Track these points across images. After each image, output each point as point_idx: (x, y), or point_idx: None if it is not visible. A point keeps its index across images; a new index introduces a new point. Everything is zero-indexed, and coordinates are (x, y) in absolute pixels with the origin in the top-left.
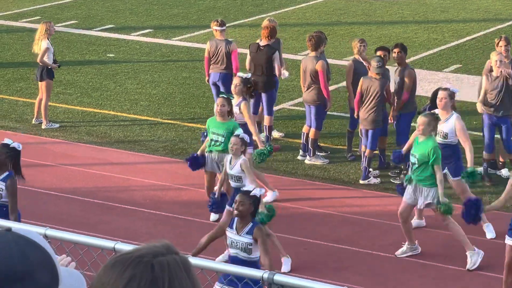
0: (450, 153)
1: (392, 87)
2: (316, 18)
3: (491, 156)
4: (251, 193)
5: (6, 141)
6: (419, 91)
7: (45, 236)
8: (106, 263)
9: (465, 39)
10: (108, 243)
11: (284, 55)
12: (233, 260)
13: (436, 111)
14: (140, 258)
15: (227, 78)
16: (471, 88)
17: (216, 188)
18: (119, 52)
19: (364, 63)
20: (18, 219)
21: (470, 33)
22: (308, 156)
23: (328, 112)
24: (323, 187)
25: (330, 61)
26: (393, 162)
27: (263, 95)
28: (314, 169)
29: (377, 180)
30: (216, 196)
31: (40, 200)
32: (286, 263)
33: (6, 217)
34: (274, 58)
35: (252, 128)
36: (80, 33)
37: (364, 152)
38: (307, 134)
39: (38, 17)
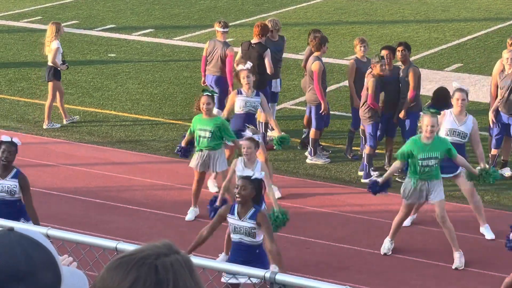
0: (463, 154)
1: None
2: (317, 18)
3: (496, 152)
4: (253, 177)
5: (5, 138)
6: (421, 90)
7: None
8: (108, 265)
9: (466, 38)
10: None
11: (285, 55)
12: (237, 245)
13: (449, 111)
14: (143, 259)
15: (220, 81)
16: (472, 87)
17: (219, 192)
18: (120, 52)
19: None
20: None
21: (471, 32)
22: (309, 156)
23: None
24: (325, 187)
25: (331, 60)
26: (370, 191)
27: None
28: (315, 168)
29: (376, 173)
30: (217, 203)
31: (42, 200)
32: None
33: (20, 213)
34: (266, 56)
35: (271, 120)
36: (81, 33)
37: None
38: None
39: (39, 17)
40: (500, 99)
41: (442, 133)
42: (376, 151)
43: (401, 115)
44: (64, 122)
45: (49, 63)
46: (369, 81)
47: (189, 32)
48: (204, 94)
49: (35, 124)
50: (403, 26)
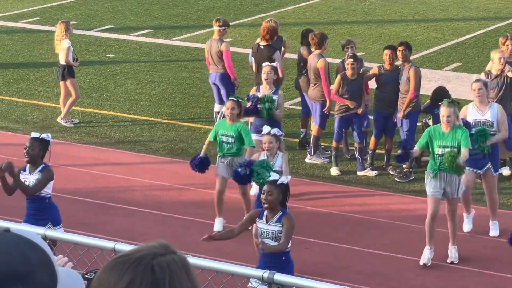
0: (495, 146)
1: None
2: (316, 17)
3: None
4: (278, 182)
5: (34, 134)
6: (420, 90)
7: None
8: (105, 265)
9: (465, 38)
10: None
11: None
12: (263, 251)
13: (471, 104)
14: (140, 259)
15: (223, 78)
16: (470, 87)
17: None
18: (119, 53)
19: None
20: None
21: (470, 32)
22: (308, 155)
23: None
24: (324, 186)
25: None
26: (399, 161)
27: None
28: (314, 168)
29: (375, 172)
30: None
31: None
32: None
33: (48, 212)
34: (276, 58)
35: (280, 116)
36: (79, 34)
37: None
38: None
39: (37, 18)
40: (494, 100)
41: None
42: (376, 151)
43: (400, 115)
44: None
45: (61, 62)
46: (336, 77)
47: (187, 32)
48: (230, 99)
49: (34, 125)
50: (402, 26)
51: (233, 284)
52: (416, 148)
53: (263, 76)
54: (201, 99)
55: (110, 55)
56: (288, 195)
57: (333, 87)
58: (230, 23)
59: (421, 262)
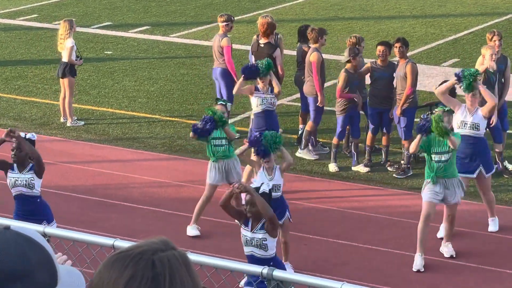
0: (483, 147)
1: (394, 82)
2: (313, 14)
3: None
4: (260, 191)
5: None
6: (417, 86)
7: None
8: (105, 261)
9: (463, 33)
10: (107, 240)
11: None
12: (249, 259)
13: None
14: (140, 255)
15: (224, 73)
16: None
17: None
18: (117, 50)
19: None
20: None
21: (468, 27)
22: (299, 149)
23: (326, 108)
24: (322, 183)
25: (327, 56)
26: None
27: None
28: (312, 164)
29: (367, 169)
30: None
31: None
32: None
33: (41, 212)
34: (276, 56)
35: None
36: (77, 31)
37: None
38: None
39: (35, 15)
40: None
41: (455, 126)
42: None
43: (398, 111)
44: (62, 120)
45: (64, 60)
46: (340, 75)
47: (185, 29)
48: (218, 103)
49: (32, 122)
50: (399, 22)
51: (233, 280)
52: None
53: (260, 85)
54: (199, 95)
55: (108, 52)
56: (270, 201)
57: (339, 84)
58: None
59: (414, 269)
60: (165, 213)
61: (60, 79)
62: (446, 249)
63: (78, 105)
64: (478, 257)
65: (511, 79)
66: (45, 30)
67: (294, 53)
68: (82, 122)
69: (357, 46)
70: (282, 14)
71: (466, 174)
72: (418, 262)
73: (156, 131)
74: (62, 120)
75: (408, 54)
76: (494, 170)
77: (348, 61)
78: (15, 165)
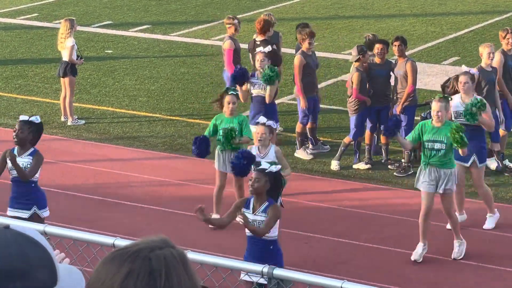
0: (479, 135)
1: (393, 81)
2: (314, 12)
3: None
4: (267, 170)
5: (23, 117)
6: (418, 84)
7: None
8: (103, 258)
9: (463, 32)
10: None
11: (283, 49)
12: (250, 240)
13: (457, 96)
14: (138, 252)
15: (226, 75)
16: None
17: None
18: (117, 48)
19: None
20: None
21: (468, 26)
22: (297, 149)
23: (326, 106)
24: (323, 181)
25: (328, 54)
26: (386, 132)
27: None
28: (313, 163)
29: (367, 166)
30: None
31: None
32: None
33: (33, 196)
34: None
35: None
36: (78, 30)
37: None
38: (309, 127)
39: (35, 14)
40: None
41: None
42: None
43: (398, 109)
44: (62, 119)
45: (65, 59)
46: (353, 75)
47: (186, 28)
48: (230, 93)
49: (63, 121)
50: (400, 20)
51: (233, 279)
52: (408, 141)
53: (257, 63)
54: (199, 94)
55: (109, 51)
56: (280, 186)
57: (355, 85)
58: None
59: (413, 258)
60: (166, 211)
61: (61, 78)
62: (455, 250)
63: (79, 104)
64: (478, 255)
65: None
66: (45, 29)
67: (294, 51)
68: (83, 121)
69: (374, 44)
70: (283, 12)
71: (460, 161)
72: (418, 251)
73: (157, 130)
74: (62, 119)
75: (409, 52)
76: (486, 162)
77: (357, 60)
78: (15, 148)
